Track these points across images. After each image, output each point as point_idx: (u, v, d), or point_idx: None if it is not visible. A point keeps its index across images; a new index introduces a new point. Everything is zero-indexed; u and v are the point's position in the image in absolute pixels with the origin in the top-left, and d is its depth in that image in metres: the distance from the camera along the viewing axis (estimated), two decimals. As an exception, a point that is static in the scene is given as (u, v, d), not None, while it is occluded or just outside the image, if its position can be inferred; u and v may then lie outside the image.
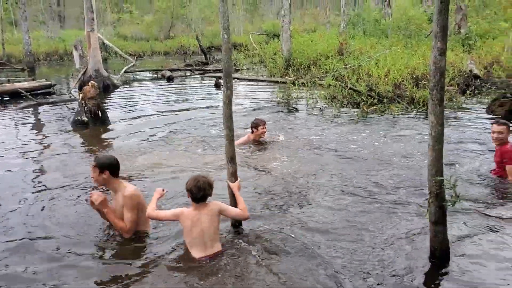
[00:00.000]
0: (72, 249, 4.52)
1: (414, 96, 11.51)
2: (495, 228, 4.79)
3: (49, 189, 6.25)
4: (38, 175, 6.94)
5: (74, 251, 4.48)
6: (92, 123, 10.09)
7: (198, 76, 20.58)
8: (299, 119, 10.45)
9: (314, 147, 8.01)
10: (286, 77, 16.06)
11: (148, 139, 8.97)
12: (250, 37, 30.56)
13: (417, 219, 5.03)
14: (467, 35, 19.82)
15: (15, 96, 14.06)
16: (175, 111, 11.86)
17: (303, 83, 14.03)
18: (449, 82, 12.70)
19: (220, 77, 15.80)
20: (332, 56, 18.07)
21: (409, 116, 10.44)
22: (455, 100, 11.62)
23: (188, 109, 12.04)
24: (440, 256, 4.05)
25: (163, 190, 4.68)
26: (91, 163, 4.66)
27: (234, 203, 4.65)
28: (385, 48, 17.09)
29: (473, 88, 12.87)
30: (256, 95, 14.28)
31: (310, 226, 4.95)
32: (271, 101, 13.13)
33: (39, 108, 12.72)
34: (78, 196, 5.93)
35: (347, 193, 5.90)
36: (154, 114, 11.50)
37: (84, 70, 16.11)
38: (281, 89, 14.63)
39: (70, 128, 9.98)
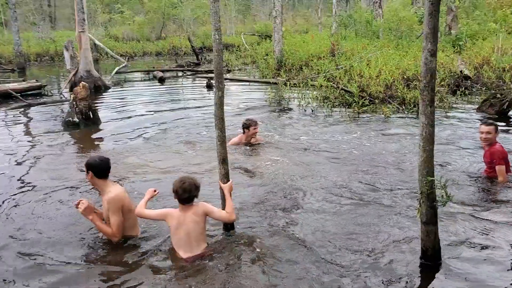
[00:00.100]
0: (57, 253, 4.50)
1: (405, 97, 11.56)
2: (485, 229, 4.81)
3: (36, 190, 6.23)
4: (27, 176, 6.90)
5: (59, 255, 4.46)
6: (83, 124, 10.05)
7: (190, 77, 20.54)
8: (291, 120, 10.46)
9: (306, 148, 8.02)
10: (278, 78, 16.07)
11: (139, 140, 8.94)
12: (242, 38, 30.57)
13: (409, 220, 5.05)
14: (457, 36, 19.93)
15: (5, 97, 13.94)
16: (167, 112, 11.82)
17: (295, 84, 14.04)
18: (439, 83, 12.78)
19: (211, 78, 15.79)
20: (324, 57, 18.11)
21: (400, 116, 10.49)
22: (445, 100, 11.68)
23: (179, 110, 12.00)
24: (431, 256, 4.07)
25: (155, 191, 4.71)
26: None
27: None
28: (377, 49, 17.14)
29: (463, 88, 12.93)
30: (248, 96, 14.29)
31: (302, 227, 4.96)
32: (263, 101, 13.12)
33: (29, 109, 12.63)
34: (66, 198, 5.90)
35: (339, 193, 5.91)
36: (146, 115, 11.47)
37: (75, 71, 16.02)
38: (273, 89, 14.63)
39: (61, 129, 9.92)
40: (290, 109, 11.73)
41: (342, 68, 14.67)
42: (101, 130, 9.98)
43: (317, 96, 12.52)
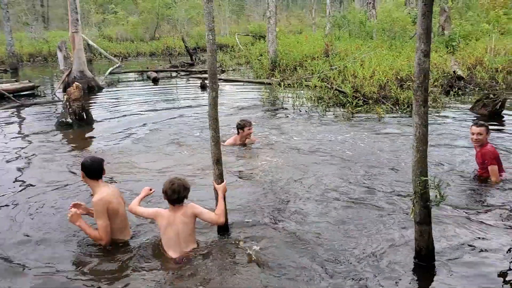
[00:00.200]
0: (43, 255, 4.48)
1: (398, 97, 11.59)
2: (478, 230, 4.83)
3: (27, 191, 6.21)
4: (18, 177, 6.87)
5: (45, 257, 4.44)
6: (77, 124, 10.01)
7: (183, 77, 20.51)
8: (286, 120, 10.46)
9: (300, 148, 8.02)
10: (272, 78, 16.07)
11: (133, 140, 8.91)
12: (236, 38, 30.56)
13: (403, 220, 5.07)
14: (450, 37, 20.01)
15: (-2, 97, 13.87)
16: (160, 112, 11.79)
17: (289, 84, 14.06)
18: (433, 83, 12.83)
19: (205, 78, 15.77)
20: (318, 57, 18.14)
21: (394, 117, 10.52)
22: (439, 101, 11.72)
23: (173, 111, 11.97)
24: (425, 256, 4.08)
25: (151, 190, 4.76)
26: None
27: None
28: (370, 49, 17.18)
29: (456, 89, 12.99)
30: (242, 96, 14.27)
31: (297, 227, 4.96)
32: (258, 101, 13.12)
33: (22, 109, 12.56)
34: (56, 199, 5.89)
35: (334, 194, 5.92)
36: (139, 116, 11.43)
37: (68, 71, 15.95)
38: (267, 90, 14.63)
39: (54, 129, 9.88)
40: (285, 110, 11.74)
41: (336, 68, 14.70)
42: (94, 130, 9.94)
43: (311, 96, 12.53)
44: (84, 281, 4.06)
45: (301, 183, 6.31)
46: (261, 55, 22.02)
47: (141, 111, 12.04)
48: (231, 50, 27.62)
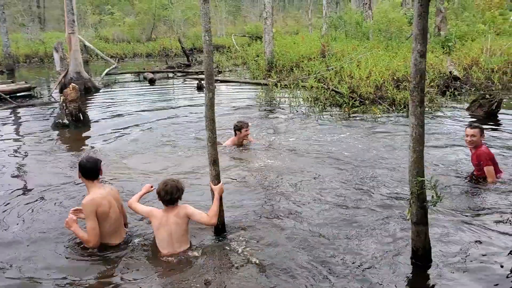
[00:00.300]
0: (31, 257, 4.45)
1: (395, 98, 11.62)
2: (475, 230, 4.84)
3: (21, 191, 6.20)
4: (13, 178, 6.86)
5: (34, 260, 4.42)
6: (73, 125, 10.00)
7: (180, 78, 20.49)
8: (282, 121, 10.47)
9: (297, 149, 8.02)
10: (269, 79, 16.08)
11: (129, 141, 8.90)
12: (233, 39, 30.56)
13: (400, 220, 5.07)
14: (446, 37, 20.06)
15: (-6, 99, 13.83)
16: (157, 113, 11.78)
17: (286, 85, 14.07)
18: (429, 84, 12.85)
19: (202, 79, 15.76)
20: (314, 58, 18.15)
21: (390, 117, 10.53)
22: (435, 101, 11.75)
23: (170, 112, 11.97)
24: (422, 256, 4.09)
25: (152, 187, 4.82)
26: None
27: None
28: (367, 50, 17.21)
29: (453, 89, 13.03)
30: (239, 97, 14.27)
31: (295, 228, 4.96)
32: (254, 102, 13.12)
33: (18, 110, 12.53)
34: (49, 200, 5.88)
35: (331, 195, 5.92)
36: (136, 117, 11.41)
37: (65, 72, 15.91)
38: (264, 90, 14.64)
39: (50, 130, 9.85)
40: (281, 110, 11.74)
41: (332, 69, 14.72)
42: (91, 131, 9.92)
43: (308, 97, 12.54)
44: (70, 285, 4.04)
45: (298, 184, 6.31)
46: (258, 56, 22.02)
47: (137, 112, 12.02)
48: (227, 51, 27.62)
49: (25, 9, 36.76)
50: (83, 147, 8.78)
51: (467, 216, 5.17)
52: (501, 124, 9.71)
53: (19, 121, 11.37)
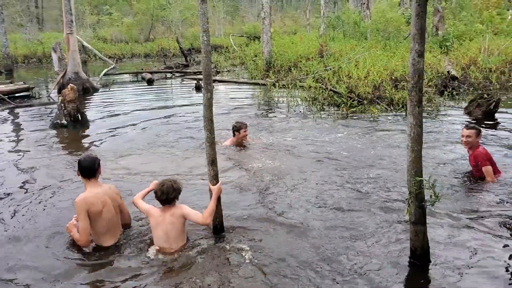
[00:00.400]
0: (28, 261, 4.43)
1: (393, 98, 11.63)
2: (474, 230, 4.85)
3: (19, 192, 6.19)
4: (10, 178, 6.84)
5: (25, 261, 4.41)
6: (72, 126, 9.98)
7: (178, 78, 20.48)
8: (281, 121, 10.46)
9: (295, 149, 8.02)
10: (267, 79, 16.08)
11: (128, 142, 8.89)
12: (231, 39, 30.56)
13: (398, 220, 5.08)
14: (444, 37, 20.08)
15: (-8, 99, 13.79)
16: (156, 114, 11.77)
17: (284, 85, 14.08)
18: (427, 83, 12.87)
19: (200, 79, 15.75)
20: (312, 58, 18.15)
21: (388, 117, 10.54)
22: (433, 101, 11.76)
23: (168, 112, 11.96)
24: (420, 255, 4.09)
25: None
26: None
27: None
28: (365, 50, 17.22)
29: (451, 89, 13.04)
30: (237, 97, 14.26)
31: (293, 228, 4.97)
32: (252, 102, 13.13)
33: (17, 111, 12.51)
34: (45, 200, 5.87)
35: (329, 194, 5.93)
36: (134, 117, 11.39)
37: (63, 73, 15.90)
38: (262, 90, 14.64)
39: (49, 131, 9.84)
40: (280, 110, 11.74)
41: (330, 69, 14.72)
42: (89, 132, 9.91)
43: (306, 97, 12.55)
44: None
45: (297, 184, 6.31)
46: (256, 56, 22.02)
47: (136, 112, 12.00)
48: (225, 51, 27.61)
49: (23, 10, 36.69)
50: (81, 147, 8.77)
51: (465, 216, 5.17)
52: (500, 124, 9.72)
53: (17, 121, 11.35)
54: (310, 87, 12.92)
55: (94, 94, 15.97)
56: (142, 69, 21.81)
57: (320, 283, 3.89)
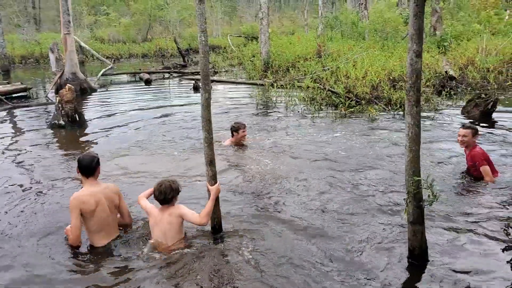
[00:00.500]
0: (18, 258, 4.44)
1: (391, 98, 11.64)
2: (472, 232, 4.85)
3: (16, 192, 6.18)
4: (7, 178, 6.82)
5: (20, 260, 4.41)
6: (69, 126, 9.97)
7: (176, 78, 20.47)
8: (279, 121, 10.46)
9: (293, 149, 8.02)
10: (265, 79, 16.08)
11: (126, 142, 8.87)
12: (229, 39, 30.56)
13: (396, 219, 5.08)
14: (442, 37, 20.11)
15: (-11, 100, 13.76)
16: (153, 114, 11.75)
17: (282, 85, 14.08)
18: (425, 83, 12.88)
19: (198, 80, 15.75)
20: (310, 58, 18.16)
21: (386, 117, 10.55)
22: (431, 101, 11.77)
23: (166, 112, 11.94)
24: (418, 255, 4.10)
25: None
26: None
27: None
28: (363, 50, 17.24)
29: (448, 89, 13.06)
30: (235, 97, 14.26)
31: (291, 227, 4.96)
32: (251, 102, 13.12)
33: (14, 111, 12.48)
34: (42, 200, 5.86)
35: (327, 194, 5.92)
36: (132, 117, 11.38)
37: (60, 73, 15.86)
38: (260, 91, 14.64)
39: (46, 131, 9.82)
40: (278, 110, 11.74)
41: (328, 69, 14.73)
42: (87, 132, 9.89)
43: (304, 97, 12.55)
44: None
45: (295, 184, 6.31)
46: (254, 56, 22.04)
47: (134, 113, 11.98)
48: (223, 51, 27.61)
49: (21, 10, 36.55)
50: (79, 147, 8.75)
51: (463, 217, 5.18)
52: (497, 123, 9.73)
53: (15, 122, 11.32)
54: (308, 87, 12.93)
55: (92, 94, 15.95)
56: (140, 70, 21.80)
57: (319, 283, 3.89)
